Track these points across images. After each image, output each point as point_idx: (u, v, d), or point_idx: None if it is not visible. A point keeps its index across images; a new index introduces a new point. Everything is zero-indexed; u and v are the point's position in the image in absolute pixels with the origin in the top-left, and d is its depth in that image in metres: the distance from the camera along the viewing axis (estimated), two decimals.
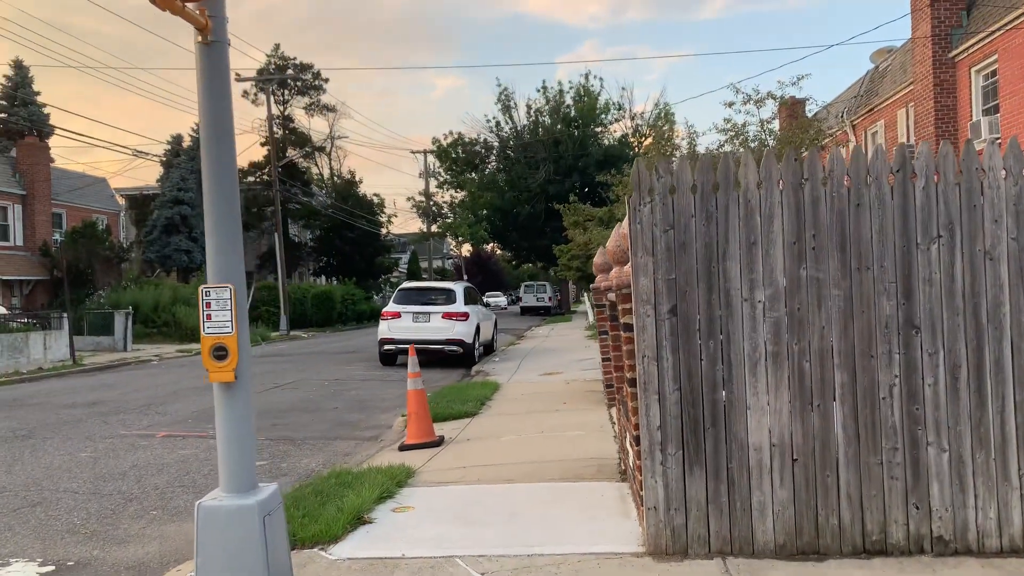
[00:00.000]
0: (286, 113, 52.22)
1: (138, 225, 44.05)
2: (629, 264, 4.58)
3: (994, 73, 17.12)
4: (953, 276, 4.30)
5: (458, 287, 18.35)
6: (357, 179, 55.28)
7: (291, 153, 49.40)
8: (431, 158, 51.02)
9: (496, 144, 47.58)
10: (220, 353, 3.76)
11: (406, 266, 63.30)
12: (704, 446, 4.36)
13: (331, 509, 5.32)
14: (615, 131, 46.91)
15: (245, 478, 3.87)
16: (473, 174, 48.55)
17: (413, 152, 59.01)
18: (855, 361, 4.31)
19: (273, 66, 48.61)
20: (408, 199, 62.49)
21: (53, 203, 35.81)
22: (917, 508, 4.29)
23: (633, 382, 4.55)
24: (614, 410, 9.34)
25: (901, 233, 4.31)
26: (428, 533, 4.98)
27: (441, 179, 51.09)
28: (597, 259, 9.92)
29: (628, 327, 4.56)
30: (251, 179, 48.86)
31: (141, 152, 39.08)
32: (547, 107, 45.81)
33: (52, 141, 38.19)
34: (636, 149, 42.39)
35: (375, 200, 53.67)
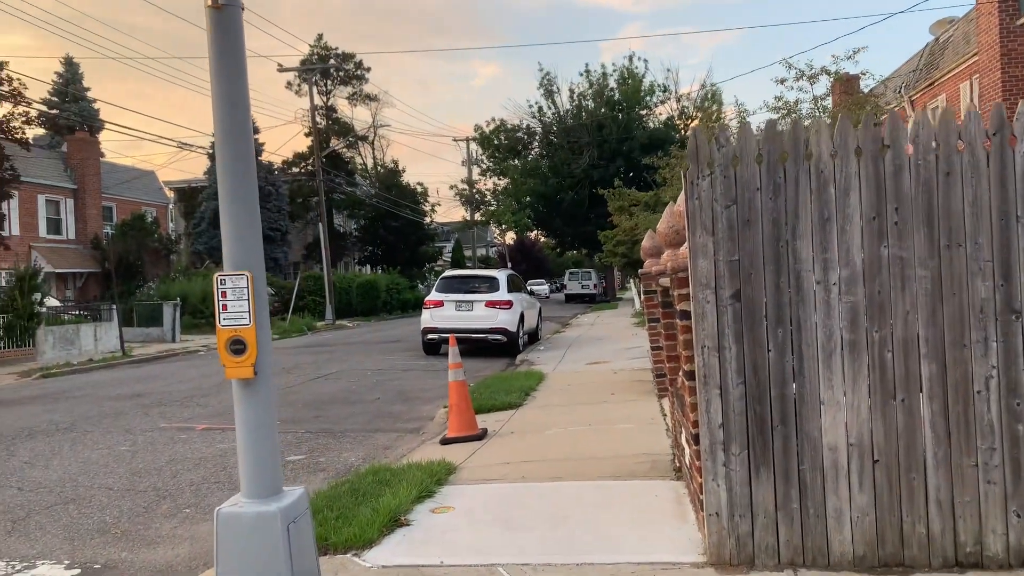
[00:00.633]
0: (329, 103, 52.33)
1: (187, 217, 44.65)
2: (685, 245, 4.15)
3: None
4: None
5: (501, 275, 17.99)
6: (400, 168, 55.31)
7: (334, 143, 49.53)
8: (473, 145, 50.75)
9: (539, 130, 47.01)
10: (238, 347, 3.44)
11: (450, 255, 63.18)
12: (772, 446, 3.91)
13: (366, 510, 5.01)
14: (660, 114, 46.00)
15: (268, 482, 3.55)
16: (516, 161, 48.08)
17: (455, 140, 58.71)
18: (945, 351, 3.82)
19: (316, 56, 48.71)
20: (451, 187, 62.37)
21: (103, 197, 36.41)
22: (1018, 516, 3.79)
23: (691, 375, 4.12)
24: (665, 401, 8.90)
25: (999, 205, 3.80)
26: (468, 538, 4.64)
27: (484, 166, 50.76)
28: (645, 243, 9.46)
29: (685, 314, 4.13)
30: (296, 170, 49.17)
31: (186, 144, 39.60)
32: (590, 91, 45.04)
33: (103, 136, 38.88)
34: (683, 131, 41.45)
35: (418, 189, 53.64)
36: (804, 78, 16.11)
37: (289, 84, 50.54)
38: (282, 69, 38.39)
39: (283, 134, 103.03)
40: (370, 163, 57.58)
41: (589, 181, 40.74)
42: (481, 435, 7.78)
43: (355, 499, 5.39)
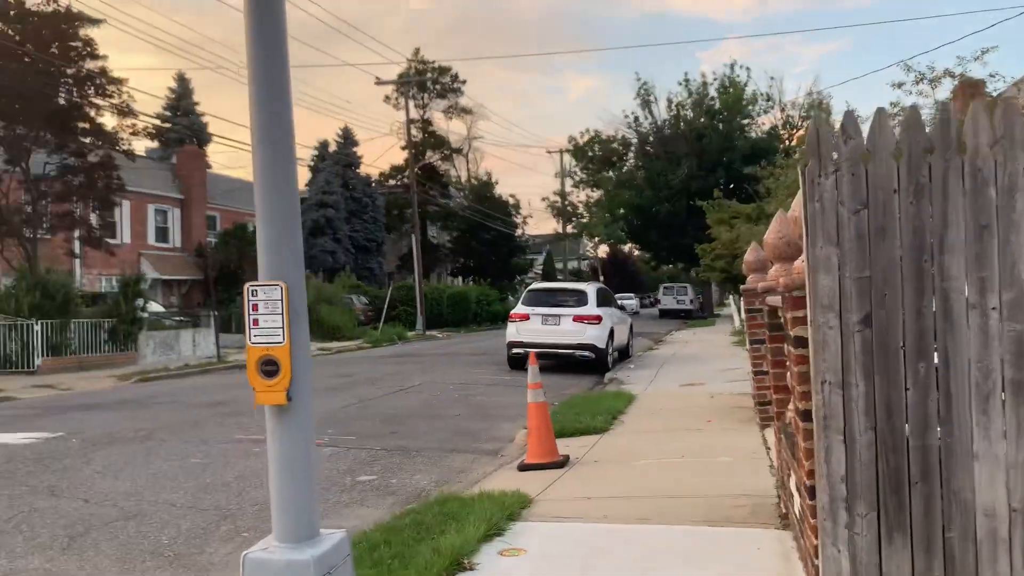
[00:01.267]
0: (425, 116, 52.98)
1: None
2: (801, 258, 3.47)
3: None
4: None
5: (590, 288, 17.34)
6: (493, 180, 55.45)
7: (429, 156, 50.04)
8: (567, 157, 50.26)
9: (634, 140, 46.10)
10: (269, 368, 2.98)
11: (541, 267, 62.85)
12: (909, 507, 3.17)
13: (426, 550, 4.49)
14: (763, 124, 44.30)
15: (302, 525, 3.08)
16: (610, 172, 47.28)
17: (549, 152, 58.42)
18: None
19: (413, 70, 49.39)
20: (543, 199, 62.08)
21: (208, 206, 37.79)
22: None
23: (806, 414, 3.42)
24: (768, 432, 8.05)
25: None
26: None
27: (577, 178, 50.19)
28: (749, 256, 8.66)
29: (800, 341, 3.43)
30: (392, 182, 49.95)
31: None
32: (689, 100, 43.83)
33: (211, 148, 40.47)
34: (787, 141, 39.73)
35: (510, 201, 53.53)
36: (925, 81, 14.91)
37: (387, 98, 51.42)
38: (379, 82, 38.94)
39: (379, 146, 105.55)
40: (464, 176, 57.96)
41: (687, 193, 39.56)
42: (562, 463, 7.17)
43: (417, 534, 4.89)
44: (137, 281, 22.22)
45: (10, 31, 20.13)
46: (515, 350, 16.36)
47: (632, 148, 46.64)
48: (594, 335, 16.04)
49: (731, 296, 39.73)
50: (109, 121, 22.63)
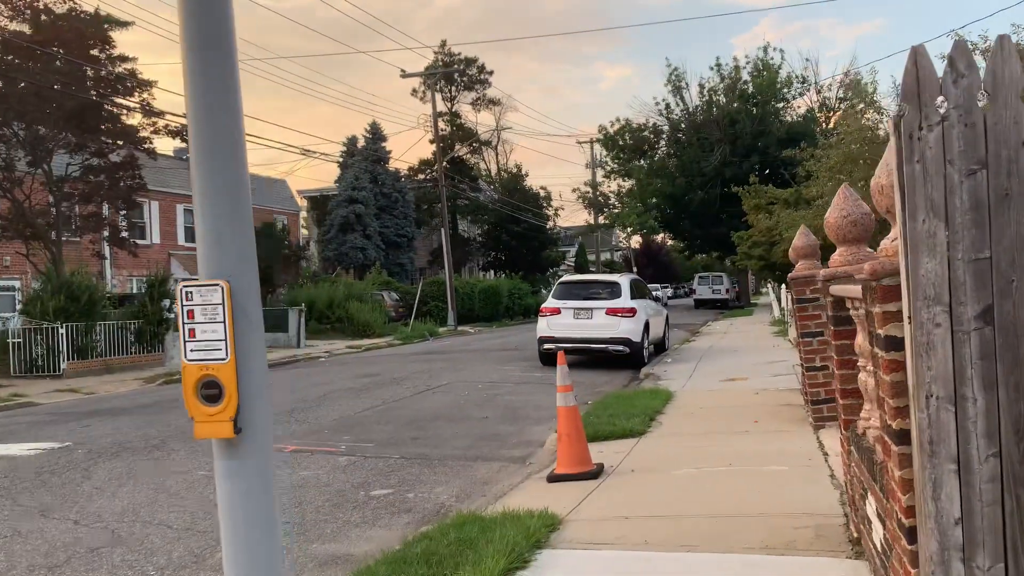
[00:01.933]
0: (453, 109, 52.35)
1: (319, 224, 45.65)
2: (891, 236, 2.73)
3: None
4: None
5: (623, 280, 16.56)
6: (523, 172, 54.65)
7: (458, 148, 49.41)
8: (598, 147, 49.29)
9: (666, 128, 44.96)
10: (210, 392, 2.33)
11: (573, 259, 61.98)
12: None
13: None
14: (798, 107, 42.92)
15: None
16: (641, 161, 46.22)
17: (579, 142, 57.57)
18: None
19: (440, 62, 48.77)
20: (574, 190, 61.20)
21: None
22: None
23: (902, 436, 2.68)
24: (824, 434, 7.28)
25: None
26: None
27: (608, 168, 49.18)
28: (798, 241, 7.86)
29: (893, 342, 2.69)
30: (421, 176, 49.39)
31: (309, 151, 40.07)
32: (721, 85, 42.54)
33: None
34: (824, 124, 38.39)
35: (541, 193, 52.73)
36: (977, 52, 13.84)
37: (415, 91, 50.97)
38: (405, 75, 38.41)
39: (407, 139, 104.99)
40: (493, 168, 57.26)
41: (720, 180, 38.43)
42: (595, 472, 6.47)
43: (428, 568, 4.23)
44: (163, 281, 21.91)
45: (33, 32, 19.89)
46: (546, 345, 15.66)
47: (663, 136, 45.51)
48: (628, 328, 15.28)
49: (769, 284, 38.57)
50: (133, 120, 22.35)
